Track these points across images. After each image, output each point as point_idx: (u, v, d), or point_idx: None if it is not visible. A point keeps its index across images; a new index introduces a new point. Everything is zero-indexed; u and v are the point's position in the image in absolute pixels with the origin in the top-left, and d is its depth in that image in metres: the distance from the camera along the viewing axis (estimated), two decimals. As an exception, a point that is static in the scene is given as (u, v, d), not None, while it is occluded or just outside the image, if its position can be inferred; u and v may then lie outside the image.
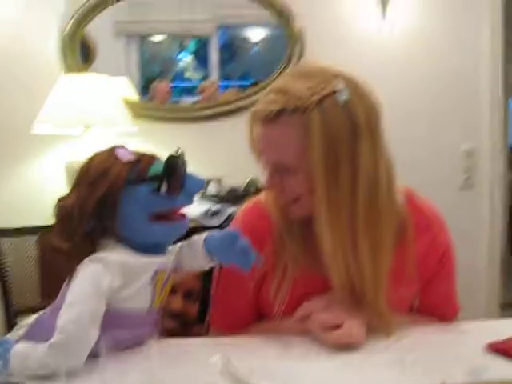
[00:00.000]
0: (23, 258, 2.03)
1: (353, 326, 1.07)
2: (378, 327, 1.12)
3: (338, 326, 1.07)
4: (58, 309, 0.99)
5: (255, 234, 1.14)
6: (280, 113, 1.05)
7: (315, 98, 1.03)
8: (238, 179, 2.71)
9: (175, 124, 2.81)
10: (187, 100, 3.08)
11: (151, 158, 1.07)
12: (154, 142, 2.54)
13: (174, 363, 1.00)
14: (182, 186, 1.05)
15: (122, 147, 1.10)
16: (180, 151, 1.03)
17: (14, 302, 1.96)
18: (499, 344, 1.02)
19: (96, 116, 2.34)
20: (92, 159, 1.08)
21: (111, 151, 1.07)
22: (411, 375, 0.93)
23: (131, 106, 2.66)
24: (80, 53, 2.71)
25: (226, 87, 3.09)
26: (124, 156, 1.06)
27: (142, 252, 1.05)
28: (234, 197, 2.50)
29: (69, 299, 0.99)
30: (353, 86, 1.07)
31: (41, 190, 2.65)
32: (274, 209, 1.18)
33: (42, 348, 0.94)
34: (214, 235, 1.11)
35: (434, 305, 1.23)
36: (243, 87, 3.01)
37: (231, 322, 1.23)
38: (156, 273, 1.06)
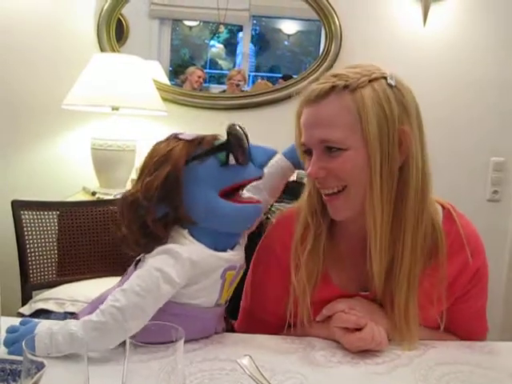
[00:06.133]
0: (43, 233, 2.03)
1: (374, 331, 1.06)
2: (401, 336, 1.10)
3: (359, 329, 1.06)
4: None
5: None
6: (331, 90, 1.05)
7: (365, 78, 1.05)
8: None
9: (203, 111, 2.78)
10: (216, 88, 3.06)
11: (214, 136, 1.05)
12: (179, 126, 2.53)
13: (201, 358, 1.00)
14: (250, 156, 1.03)
15: (183, 134, 1.08)
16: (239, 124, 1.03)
17: (31, 275, 1.96)
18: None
19: (126, 98, 2.33)
20: (154, 149, 1.06)
21: (174, 137, 1.06)
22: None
23: (161, 89, 2.64)
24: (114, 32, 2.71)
25: (255, 78, 3.07)
26: (186, 136, 1.04)
27: (214, 246, 1.03)
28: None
29: (125, 285, 0.97)
30: (399, 80, 1.09)
31: (66, 165, 2.67)
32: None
33: (74, 322, 0.94)
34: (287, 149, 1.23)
35: (463, 323, 1.19)
36: (272, 80, 2.99)
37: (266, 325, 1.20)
38: (226, 270, 1.04)
